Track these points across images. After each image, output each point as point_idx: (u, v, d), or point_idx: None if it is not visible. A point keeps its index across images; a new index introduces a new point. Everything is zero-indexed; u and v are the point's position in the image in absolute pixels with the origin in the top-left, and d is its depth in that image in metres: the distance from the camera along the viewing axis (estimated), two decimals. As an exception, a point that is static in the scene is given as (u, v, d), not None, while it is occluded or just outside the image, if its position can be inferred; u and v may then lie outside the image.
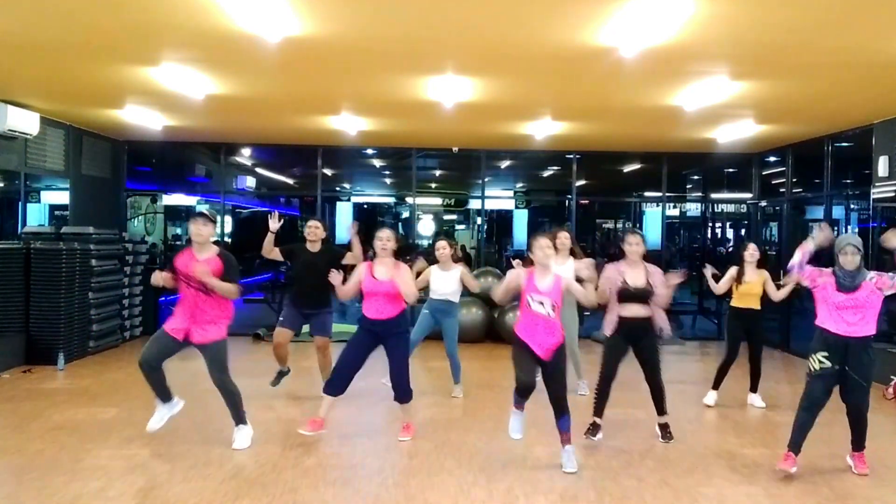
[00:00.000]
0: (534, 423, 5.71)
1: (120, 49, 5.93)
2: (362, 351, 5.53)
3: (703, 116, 8.16)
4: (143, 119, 8.96)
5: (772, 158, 11.60)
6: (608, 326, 5.64)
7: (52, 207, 11.45)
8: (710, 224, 16.09)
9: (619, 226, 18.30)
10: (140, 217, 13.12)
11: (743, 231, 14.66)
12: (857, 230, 10.99)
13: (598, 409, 5.78)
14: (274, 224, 6.46)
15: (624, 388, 7.57)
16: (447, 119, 8.60)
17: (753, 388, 7.11)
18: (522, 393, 5.08)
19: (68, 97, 8.08)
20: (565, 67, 6.23)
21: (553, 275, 5.06)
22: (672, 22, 4.81)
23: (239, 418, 5.48)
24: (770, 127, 9.04)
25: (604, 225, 18.52)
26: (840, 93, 7.13)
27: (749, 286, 6.85)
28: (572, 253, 7.04)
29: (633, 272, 5.55)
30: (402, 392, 5.60)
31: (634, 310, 5.53)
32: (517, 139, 10.43)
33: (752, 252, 6.90)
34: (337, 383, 5.51)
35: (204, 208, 5.49)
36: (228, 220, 12.76)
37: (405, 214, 17.87)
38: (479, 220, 13.91)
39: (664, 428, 5.83)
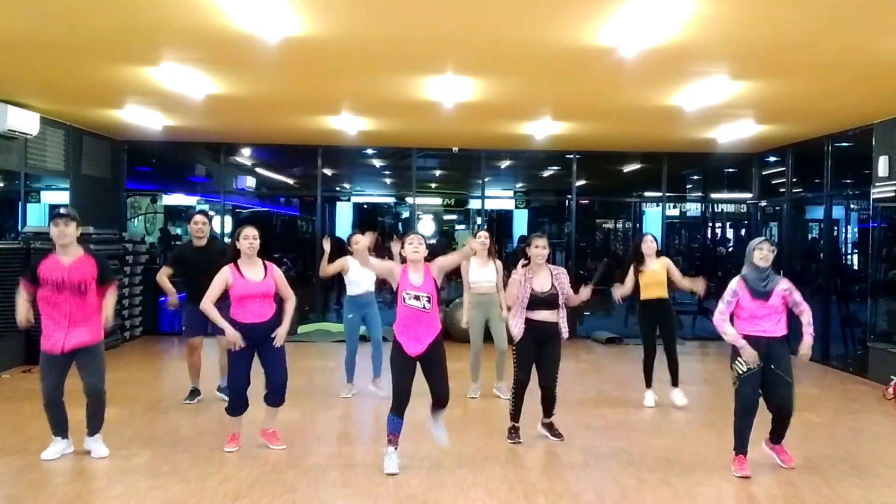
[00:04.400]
0: (533, 423, 5.72)
1: (120, 49, 5.93)
2: (247, 362, 5.25)
3: (703, 116, 8.16)
4: (143, 119, 8.96)
5: (772, 158, 11.59)
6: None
7: (52, 207, 11.43)
8: (711, 224, 16.09)
9: (620, 226, 18.28)
10: (140, 217, 13.12)
11: (743, 231, 14.65)
12: (857, 230, 10.99)
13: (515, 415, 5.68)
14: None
15: (624, 388, 7.61)
16: (447, 119, 8.60)
17: (674, 383, 6.91)
18: (401, 409, 4.85)
19: (68, 97, 8.08)
20: (565, 67, 6.24)
21: (423, 268, 4.90)
22: (672, 22, 4.81)
23: (97, 427, 5.15)
24: (770, 127, 9.04)
25: (604, 225, 18.49)
26: (840, 93, 7.13)
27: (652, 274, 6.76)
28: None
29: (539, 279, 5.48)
30: (282, 395, 5.39)
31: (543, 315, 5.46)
32: (517, 139, 10.43)
33: (649, 244, 6.80)
34: (239, 403, 5.29)
35: (63, 209, 4.80)
36: (228, 220, 12.73)
37: (405, 214, 17.85)
38: (479, 220, 13.89)
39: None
